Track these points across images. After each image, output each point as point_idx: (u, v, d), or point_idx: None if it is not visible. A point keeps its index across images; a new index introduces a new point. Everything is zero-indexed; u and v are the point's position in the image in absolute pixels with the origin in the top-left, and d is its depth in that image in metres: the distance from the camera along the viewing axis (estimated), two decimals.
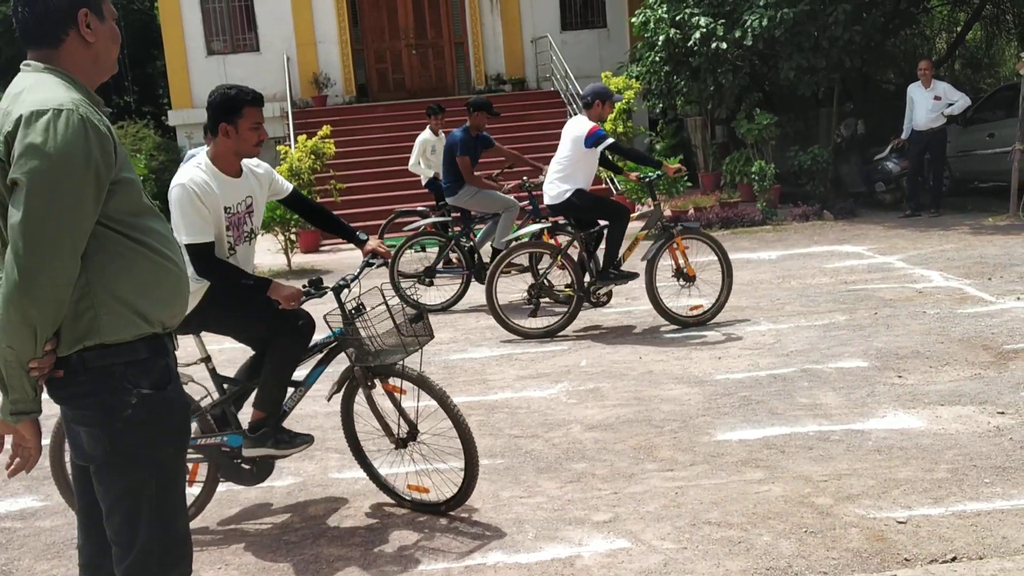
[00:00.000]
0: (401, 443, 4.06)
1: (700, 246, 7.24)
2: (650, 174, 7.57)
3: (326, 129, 13.45)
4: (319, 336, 4.06)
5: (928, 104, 11.98)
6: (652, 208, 7.43)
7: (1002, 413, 4.79)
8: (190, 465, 4.01)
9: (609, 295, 7.47)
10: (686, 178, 8.07)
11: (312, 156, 13.04)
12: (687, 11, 13.17)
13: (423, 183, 10.92)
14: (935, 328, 6.50)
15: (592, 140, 6.96)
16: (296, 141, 13.84)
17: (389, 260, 4.67)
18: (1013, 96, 11.75)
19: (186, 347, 4.37)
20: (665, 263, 7.19)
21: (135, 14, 24.19)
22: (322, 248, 13.40)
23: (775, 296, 7.89)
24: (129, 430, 2.27)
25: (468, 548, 3.73)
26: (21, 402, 2.22)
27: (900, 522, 3.65)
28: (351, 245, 4.22)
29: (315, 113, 17.14)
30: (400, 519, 4.06)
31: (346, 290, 3.99)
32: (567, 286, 7.26)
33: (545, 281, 7.37)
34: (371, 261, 4.12)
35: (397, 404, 4.02)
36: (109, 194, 2.21)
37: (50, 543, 4.04)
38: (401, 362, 3.92)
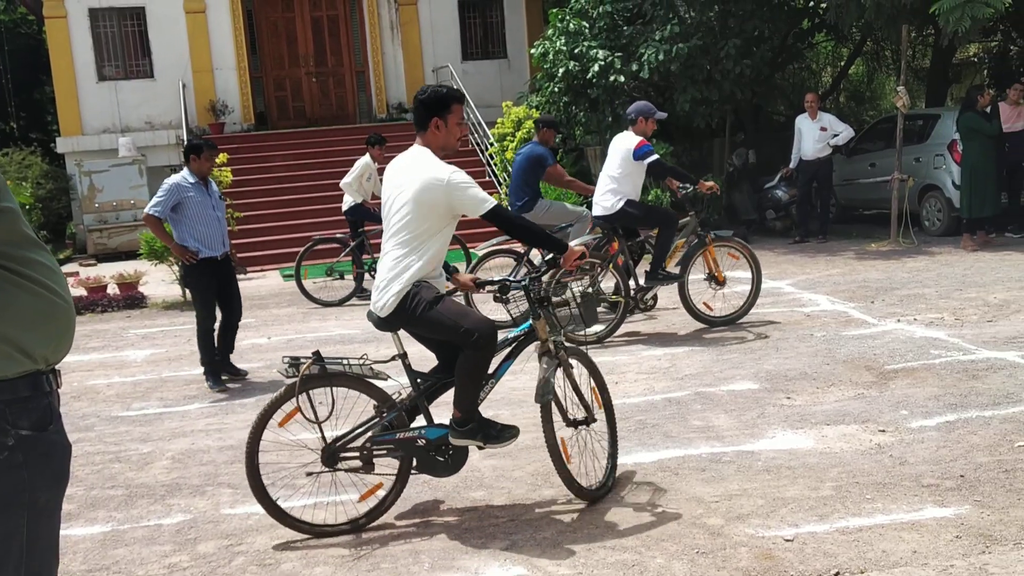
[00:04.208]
0: (580, 423, 4.40)
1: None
2: (686, 187, 8.18)
3: (223, 157, 13.21)
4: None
5: (815, 135, 12.48)
6: (689, 218, 7.99)
7: (883, 431, 4.98)
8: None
9: (655, 299, 7.89)
10: (719, 194, 8.72)
11: None
12: (585, 44, 13.45)
13: (344, 208, 10.72)
14: (822, 350, 6.74)
15: (639, 153, 7.45)
16: None
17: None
18: (892, 128, 12.34)
19: (384, 344, 4.37)
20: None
21: (23, 38, 23.38)
22: None
23: (670, 321, 8.06)
24: (3, 474, 2.12)
25: None
26: None
27: (787, 540, 3.75)
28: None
29: (212, 141, 16.79)
30: (292, 554, 3.97)
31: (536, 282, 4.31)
32: (613, 293, 7.60)
33: (598, 289, 7.62)
34: (556, 258, 4.35)
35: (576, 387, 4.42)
36: None
37: None
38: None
